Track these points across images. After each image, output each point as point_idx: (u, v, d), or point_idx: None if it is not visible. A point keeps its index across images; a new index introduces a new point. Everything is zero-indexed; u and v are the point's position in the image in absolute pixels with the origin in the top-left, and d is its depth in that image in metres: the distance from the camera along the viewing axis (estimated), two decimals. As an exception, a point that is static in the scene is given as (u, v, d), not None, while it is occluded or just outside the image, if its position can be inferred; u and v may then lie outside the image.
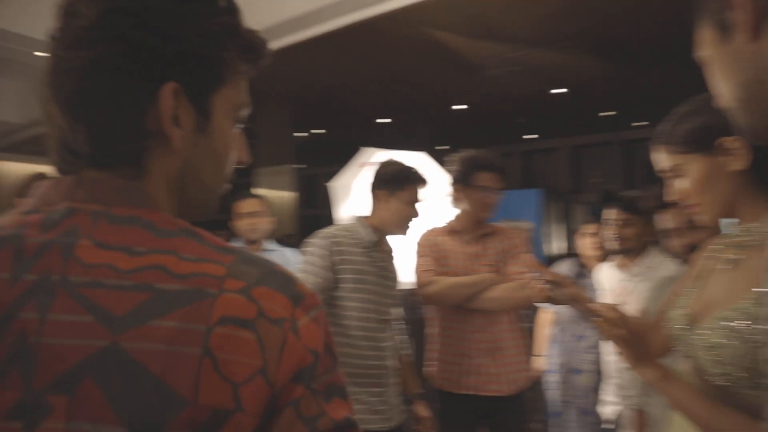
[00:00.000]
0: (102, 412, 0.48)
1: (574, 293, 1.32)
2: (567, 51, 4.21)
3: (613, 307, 1.14)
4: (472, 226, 2.33)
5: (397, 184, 2.01)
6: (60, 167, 0.60)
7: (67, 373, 0.49)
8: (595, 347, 2.66)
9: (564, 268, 2.83)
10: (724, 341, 1.01)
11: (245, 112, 0.68)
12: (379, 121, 6.93)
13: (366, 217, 2.05)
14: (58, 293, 0.52)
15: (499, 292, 2.18)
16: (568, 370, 2.79)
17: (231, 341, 0.49)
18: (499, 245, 2.34)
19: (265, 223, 2.82)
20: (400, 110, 6.44)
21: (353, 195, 3.43)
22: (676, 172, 1.17)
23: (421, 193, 2.05)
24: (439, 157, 2.73)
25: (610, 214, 2.33)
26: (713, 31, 0.75)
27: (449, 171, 2.35)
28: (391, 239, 2.16)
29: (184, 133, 0.59)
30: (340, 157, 4.44)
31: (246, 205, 2.79)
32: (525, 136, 7.24)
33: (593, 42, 3.97)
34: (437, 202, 3.32)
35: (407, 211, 2.00)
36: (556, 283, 1.33)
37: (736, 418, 0.99)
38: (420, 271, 2.27)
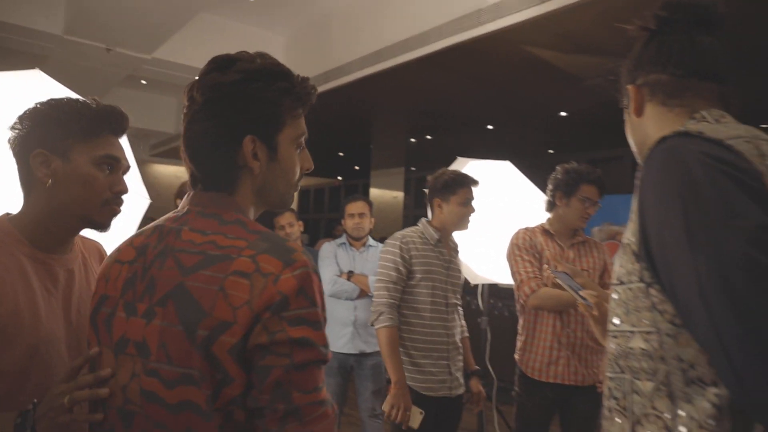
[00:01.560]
0: (173, 318, 0.84)
1: (584, 283, 1.48)
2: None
3: (595, 293, 1.37)
4: (567, 232, 2.54)
5: (449, 191, 2.40)
6: (192, 186, 0.98)
7: (163, 296, 0.86)
8: None
9: None
10: None
11: (304, 138, 1.01)
12: (487, 128, 7.27)
13: (430, 220, 2.48)
14: (168, 255, 0.89)
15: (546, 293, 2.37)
16: None
17: (235, 284, 0.82)
18: (591, 259, 2.52)
19: (368, 223, 3.36)
20: (505, 119, 6.74)
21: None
22: None
23: (473, 192, 2.40)
24: (550, 162, 2.82)
25: None
26: (623, 104, 1.18)
27: (552, 179, 2.57)
28: (457, 236, 2.56)
29: (261, 163, 0.94)
30: (449, 160, 4.87)
31: (354, 207, 3.34)
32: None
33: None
34: (518, 204, 3.65)
35: (462, 211, 2.39)
36: (569, 273, 1.53)
37: None
38: (524, 277, 2.43)
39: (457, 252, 2.58)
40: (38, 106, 1.16)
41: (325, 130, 8.45)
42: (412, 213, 11.27)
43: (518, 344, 2.56)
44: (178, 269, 0.86)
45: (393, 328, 2.29)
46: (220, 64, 0.94)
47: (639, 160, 1.16)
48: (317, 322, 0.84)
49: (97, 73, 5.74)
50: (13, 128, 1.15)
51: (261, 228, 0.91)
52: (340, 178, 13.95)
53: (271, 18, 6.04)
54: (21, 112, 1.16)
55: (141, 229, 1.00)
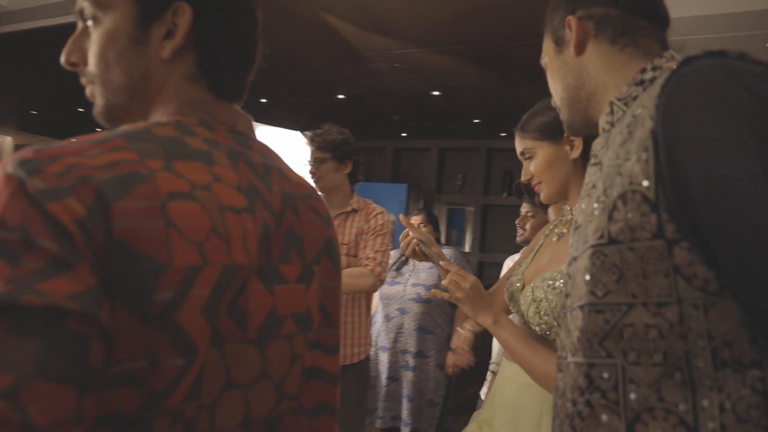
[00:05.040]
0: (332, 273, 0.78)
1: (439, 252, 1.46)
2: (450, 56, 4.49)
3: (456, 270, 1.34)
4: (336, 201, 2.57)
5: None
6: (218, 96, 0.75)
7: (317, 253, 0.76)
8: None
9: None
10: (544, 296, 1.24)
11: None
12: (261, 101, 6.85)
13: None
14: (297, 203, 0.74)
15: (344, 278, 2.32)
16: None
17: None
18: (356, 226, 2.48)
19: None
20: (279, 91, 6.42)
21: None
22: (528, 155, 1.40)
23: None
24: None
25: (523, 207, 2.62)
26: (552, 43, 0.97)
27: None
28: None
29: None
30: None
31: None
32: (402, 134, 7.55)
33: (476, 52, 4.28)
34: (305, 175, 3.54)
35: None
36: (424, 242, 1.49)
37: (547, 354, 1.22)
38: None
39: None
40: None
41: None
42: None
43: None
44: (320, 219, 0.79)
45: None
46: None
47: (565, 110, 0.96)
48: None
49: None
50: None
51: None
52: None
53: None
54: None
55: (191, 151, 0.63)
